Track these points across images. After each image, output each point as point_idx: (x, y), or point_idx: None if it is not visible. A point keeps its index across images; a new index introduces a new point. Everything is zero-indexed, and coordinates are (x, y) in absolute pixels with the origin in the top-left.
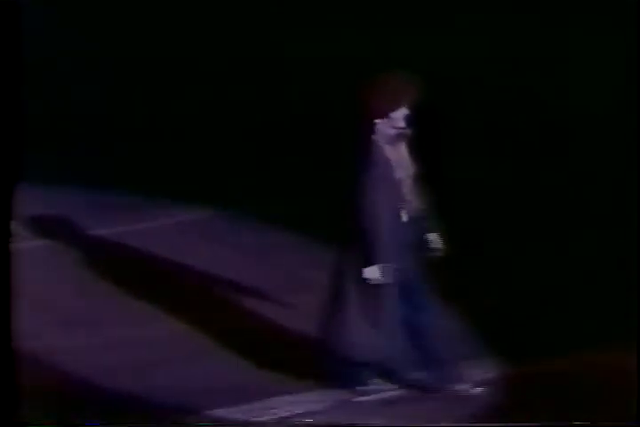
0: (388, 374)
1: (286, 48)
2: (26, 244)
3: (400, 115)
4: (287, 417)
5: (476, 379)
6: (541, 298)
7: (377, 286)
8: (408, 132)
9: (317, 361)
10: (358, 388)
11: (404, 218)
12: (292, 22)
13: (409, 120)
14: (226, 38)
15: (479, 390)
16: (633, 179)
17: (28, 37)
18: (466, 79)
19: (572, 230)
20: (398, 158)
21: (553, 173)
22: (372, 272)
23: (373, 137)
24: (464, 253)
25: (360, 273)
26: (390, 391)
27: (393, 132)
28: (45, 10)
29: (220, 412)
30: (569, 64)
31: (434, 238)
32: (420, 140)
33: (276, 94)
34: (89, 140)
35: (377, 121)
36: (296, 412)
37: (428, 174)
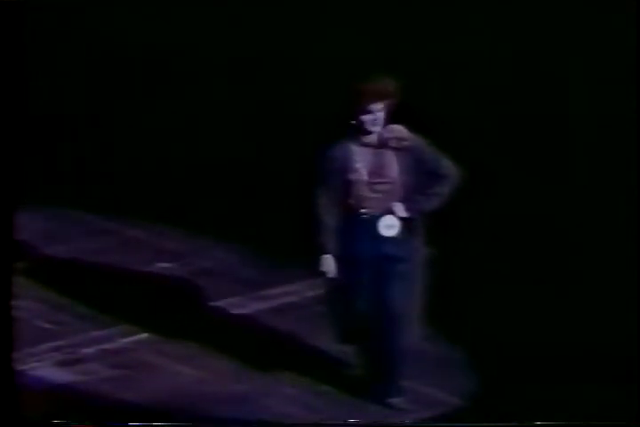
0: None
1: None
2: None
3: (369, 119)
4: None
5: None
6: (539, 298)
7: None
8: (380, 135)
9: None
10: None
11: (365, 220)
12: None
13: (380, 124)
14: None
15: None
16: (633, 179)
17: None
18: (465, 79)
19: (572, 232)
20: (374, 163)
21: (553, 174)
22: (322, 264)
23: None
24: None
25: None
26: None
27: (367, 137)
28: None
29: None
30: (568, 64)
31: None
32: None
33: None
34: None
35: (352, 123)
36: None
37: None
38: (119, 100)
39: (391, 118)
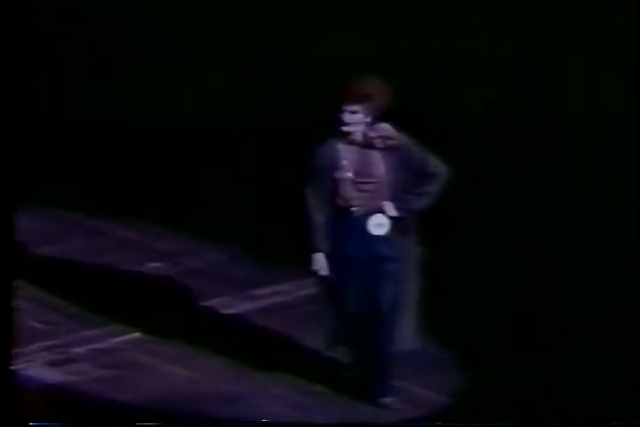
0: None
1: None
2: None
3: (348, 119)
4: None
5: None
6: (534, 299)
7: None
8: (366, 134)
9: None
10: None
11: (354, 219)
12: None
13: (359, 125)
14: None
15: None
16: (633, 179)
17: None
18: (464, 79)
19: (570, 232)
20: (359, 162)
21: (553, 174)
22: (314, 262)
23: (335, 136)
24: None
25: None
26: None
27: (353, 136)
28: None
29: None
30: (568, 64)
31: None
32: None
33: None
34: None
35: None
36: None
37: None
38: (118, 100)
39: (382, 118)
